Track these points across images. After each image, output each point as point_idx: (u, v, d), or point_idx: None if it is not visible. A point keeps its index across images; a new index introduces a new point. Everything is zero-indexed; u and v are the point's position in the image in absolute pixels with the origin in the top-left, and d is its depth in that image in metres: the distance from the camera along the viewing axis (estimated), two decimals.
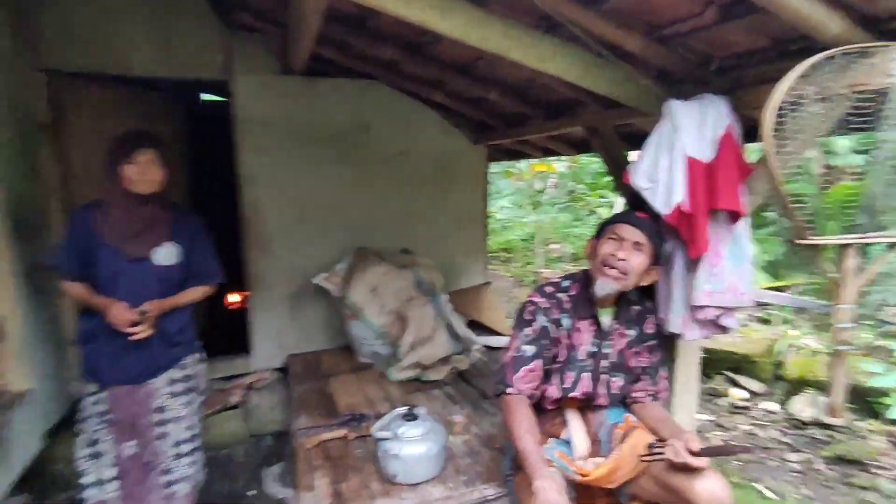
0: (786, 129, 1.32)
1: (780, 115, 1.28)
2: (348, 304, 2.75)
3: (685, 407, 1.95)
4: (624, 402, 1.79)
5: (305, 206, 3.14)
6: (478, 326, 3.31)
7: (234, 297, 4.20)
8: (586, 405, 1.75)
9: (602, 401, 1.71)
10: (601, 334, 1.67)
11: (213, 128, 3.70)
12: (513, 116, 2.96)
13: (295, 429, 2.22)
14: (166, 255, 1.97)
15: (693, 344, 1.91)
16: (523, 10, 1.66)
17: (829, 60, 1.23)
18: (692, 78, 1.69)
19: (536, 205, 8.19)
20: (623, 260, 1.55)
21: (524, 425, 1.54)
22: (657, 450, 1.50)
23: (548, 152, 3.77)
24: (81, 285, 1.93)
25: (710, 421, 3.28)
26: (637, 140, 2.18)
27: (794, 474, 2.69)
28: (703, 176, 1.47)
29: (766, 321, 4.28)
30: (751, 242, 1.55)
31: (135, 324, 1.85)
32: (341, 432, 2.12)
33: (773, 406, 3.32)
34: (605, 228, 1.63)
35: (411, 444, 1.74)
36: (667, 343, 1.87)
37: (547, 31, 1.70)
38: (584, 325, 1.67)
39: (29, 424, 2.31)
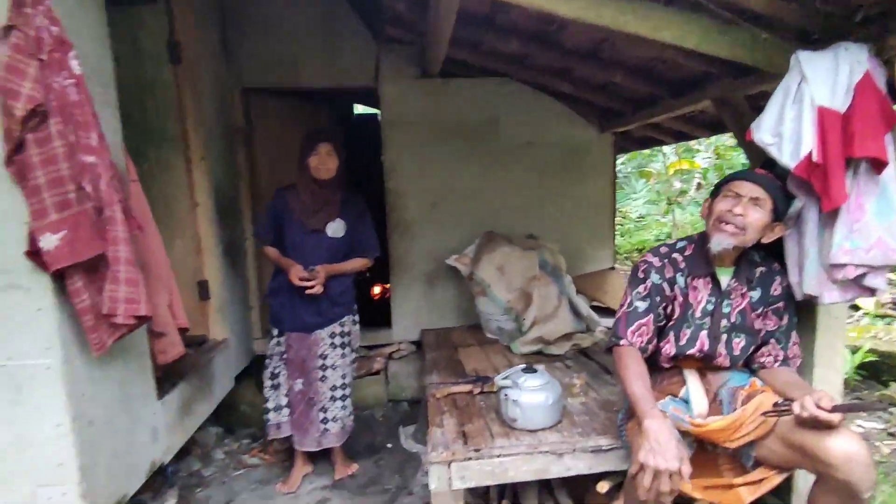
0: None
1: None
2: (477, 281, 2.98)
3: (827, 385, 1.81)
4: (750, 367, 1.75)
5: (440, 194, 3.47)
6: (602, 310, 3.32)
7: (377, 290, 4.72)
8: (707, 366, 1.74)
9: (722, 361, 1.69)
10: (719, 293, 1.66)
11: (365, 133, 4.27)
12: (640, 99, 2.97)
13: (427, 383, 2.49)
14: (336, 228, 2.45)
15: (837, 313, 1.78)
16: None
17: None
18: (829, 33, 1.61)
19: (674, 204, 7.72)
20: (740, 215, 1.54)
21: (636, 371, 1.59)
22: (783, 407, 1.46)
23: (679, 137, 3.65)
24: (275, 250, 2.47)
25: (882, 429, 2.88)
26: None
27: None
28: (836, 125, 1.42)
29: None
30: None
31: (307, 281, 2.30)
32: (467, 387, 2.34)
33: None
34: (721, 187, 1.63)
35: (531, 392, 1.89)
36: (807, 312, 1.78)
37: (667, 4, 1.76)
38: (701, 284, 1.68)
39: (224, 367, 2.90)
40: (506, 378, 1.97)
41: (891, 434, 2.82)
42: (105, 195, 1.55)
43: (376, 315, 3.72)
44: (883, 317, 3.75)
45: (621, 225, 8.40)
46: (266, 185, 3.36)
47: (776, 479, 1.57)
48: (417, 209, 3.47)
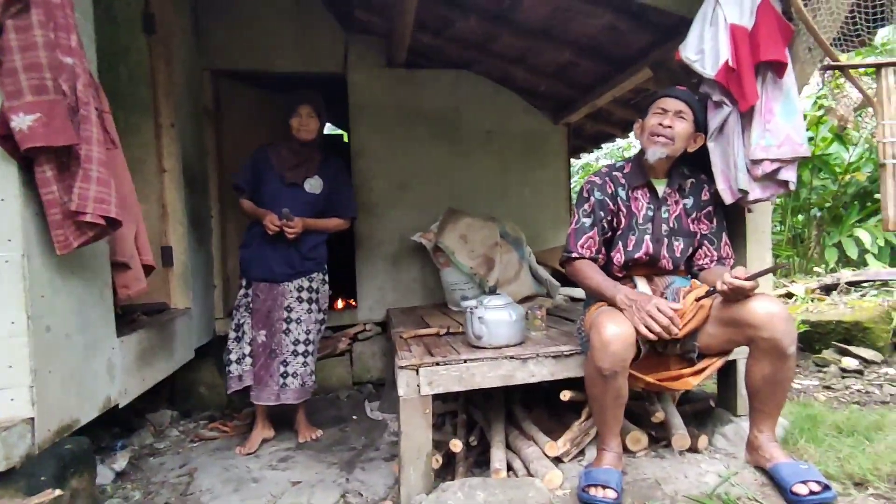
0: None
1: None
2: (441, 247, 3.08)
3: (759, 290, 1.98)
4: (691, 272, 1.91)
5: (406, 177, 3.62)
6: (562, 278, 3.45)
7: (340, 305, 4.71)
8: (653, 271, 1.89)
9: (666, 263, 1.84)
10: (657, 201, 1.85)
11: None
12: (588, 84, 3.26)
13: (393, 330, 2.53)
14: (314, 185, 2.56)
15: (763, 227, 1.98)
16: None
17: None
18: None
19: None
20: (669, 127, 1.75)
21: (594, 271, 1.78)
22: (712, 291, 1.61)
23: (628, 128, 3.97)
24: (251, 203, 2.54)
25: (816, 384, 3.07)
26: None
27: None
28: (745, 38, 1.67)
29: (885, 294, 3.92)
30: (798, 99, 1.68)
31: (284, 226, 2.37)
32: (433, 330, 2.39)
33: (890, 370, 3.03)
34: (649, 106, 1.84)
35: (495, 310, 1.97)
36: (737, 226, 1.98)
37: None
38: (640, 194, 1.86)
39: (186, 334, 2.83)
40: (472, 300, 2.05)
41: (825, 387, 3.02)
42: (81, 95, 1.60)
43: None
44: (813, 300, 4.08)
45: None
46: (232, 168, 3.41)
47: (718, 363, 1.72)
48: (383, 191, 3.59)
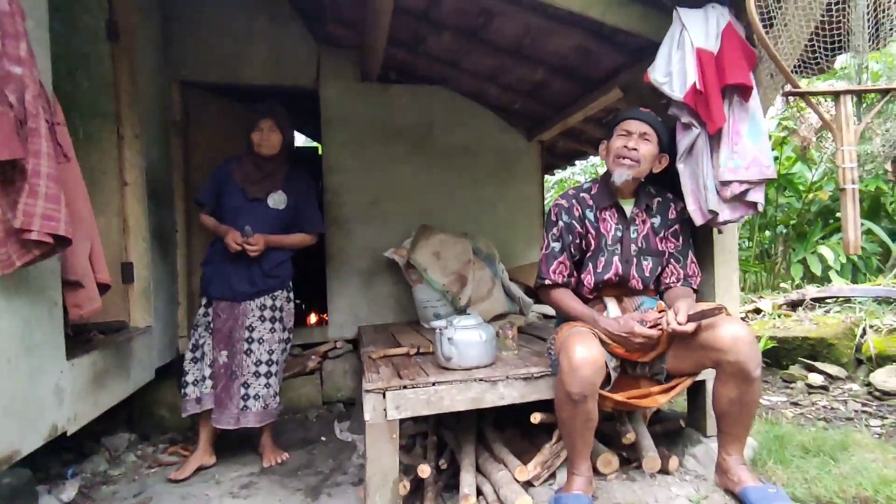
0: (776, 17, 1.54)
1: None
2: (414, 264, 3.04)
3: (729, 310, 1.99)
4: (660, 290, 1.91)
5: (379, 192, 3.57)
6: (535, 295, 3.44)
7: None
8: (623, 291, 1.88)
9: (635, 283, 1.84)
10: (625, 221, 1.85)
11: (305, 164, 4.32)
12: (562, 103, 3.29)
13: (363, 350, 2.46)
14: (278, 200, 2.48)
15: (731, 247, 2.00)
16: None
17: None
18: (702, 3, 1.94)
19: None
20: (634, 149, 1.76)
21: (571, 298, 1.82)
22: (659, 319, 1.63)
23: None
24: (212, 219, 2.47)
25: (784, 401, 3.12)
26: None
27: (878, 438, 2.51)
28: (711, 62, 1.69)
29: (848, 310, 4.03)
30: (764, 121, 1.71)
31: (245, 244, 2.29)
32: (404, 349, 2.34)
33: (854, 386, 3.10)
34: (614, 128, 1.86)
35: (465, 330, 1.94)
36: (706, 249, 1.99)
37: None
38: (608, 215, 1.87)
39: (146, 354, 2.71)
40: (441, 320, 2.01)
41: (793, 403, 3.07)
42: (30, 107, 1.52)
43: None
44: (780, 315, 4.16)
45: None
46: (199, 181, 3.31)
47: (687, 382, 1.72)
48: (356, 206, 3.54)
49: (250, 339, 2.40)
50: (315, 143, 5.89)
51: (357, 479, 2.30)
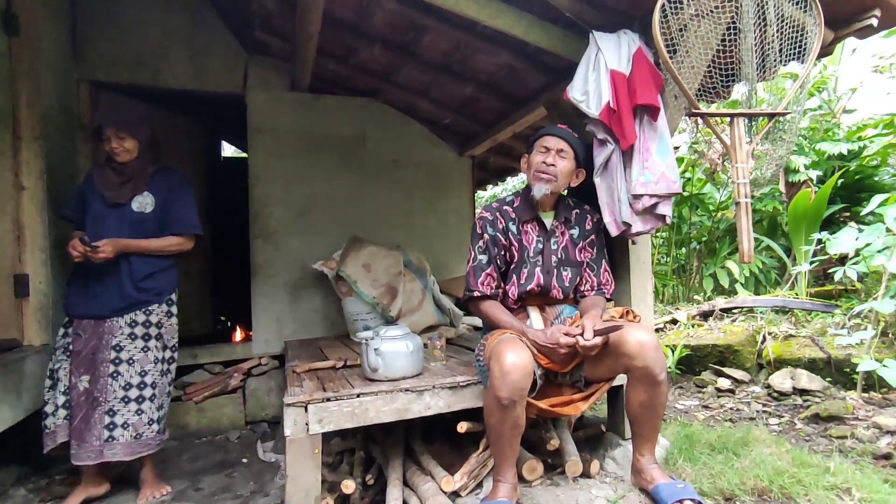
0: (679, 46, 1.68)
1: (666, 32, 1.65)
2: (343, 276, 2.98)
3: (643, 316, 2.11)
4: (577, 299, 1.99)
5: (308, 204, 3.49)
6: (466, 311, 3.48)
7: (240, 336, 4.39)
8: (544, 301, 1.95)
9: (556, 293, 1.91)
10: (546, 233, 1.93)
11: (232, 178, 4.15)
12: (491, 120, 3.39)
13: (287, 364, 2.37)
14: (143, 203, 2.26)
15: (644, 258, 2.13)
16: None
17: None
18: (614, 27, 2.07)
19: None
20: (552, 165, 1.85)
21: (500, 310, 1.85)
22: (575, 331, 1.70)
23: None
24: (79, 232, 2.18)
25: (696, 404, 3.33)
26: None
27: (775, 434, 2.73)
28: (623, 83, 1.81)
29: (751, 319, 4.39)
30: (671, 140, 1.84)
31: (88, 254, 2.06)
32: (330, 363, 2.27)
33: (756, 388, 3.37)
34: (533, 143, 1.94)
35: (391, 341, 1.92)
36: (621, 260, 2.11)
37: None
38: (530, 227, 1.94)
39: (41, 376, 2.45)
40: (368, 331, 1.98)
41: (704, 406, 3.28)
42: None
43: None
44: (693, 325, 4.46)
45: None
46: None
47: (604, 387, 1.80)
48: (283, 218, 3.43)
49: (117, 361, 2.13)
50: (244, 154, 5.69)
51: (279, 501, 2.20)
